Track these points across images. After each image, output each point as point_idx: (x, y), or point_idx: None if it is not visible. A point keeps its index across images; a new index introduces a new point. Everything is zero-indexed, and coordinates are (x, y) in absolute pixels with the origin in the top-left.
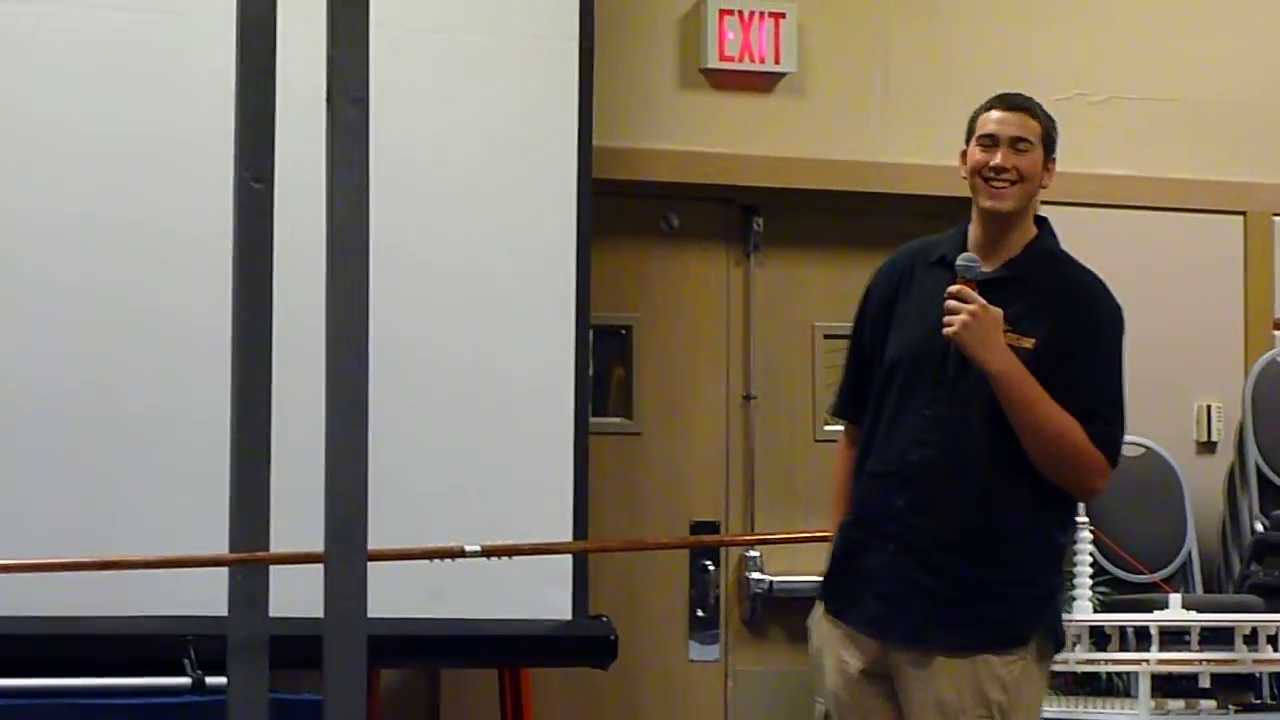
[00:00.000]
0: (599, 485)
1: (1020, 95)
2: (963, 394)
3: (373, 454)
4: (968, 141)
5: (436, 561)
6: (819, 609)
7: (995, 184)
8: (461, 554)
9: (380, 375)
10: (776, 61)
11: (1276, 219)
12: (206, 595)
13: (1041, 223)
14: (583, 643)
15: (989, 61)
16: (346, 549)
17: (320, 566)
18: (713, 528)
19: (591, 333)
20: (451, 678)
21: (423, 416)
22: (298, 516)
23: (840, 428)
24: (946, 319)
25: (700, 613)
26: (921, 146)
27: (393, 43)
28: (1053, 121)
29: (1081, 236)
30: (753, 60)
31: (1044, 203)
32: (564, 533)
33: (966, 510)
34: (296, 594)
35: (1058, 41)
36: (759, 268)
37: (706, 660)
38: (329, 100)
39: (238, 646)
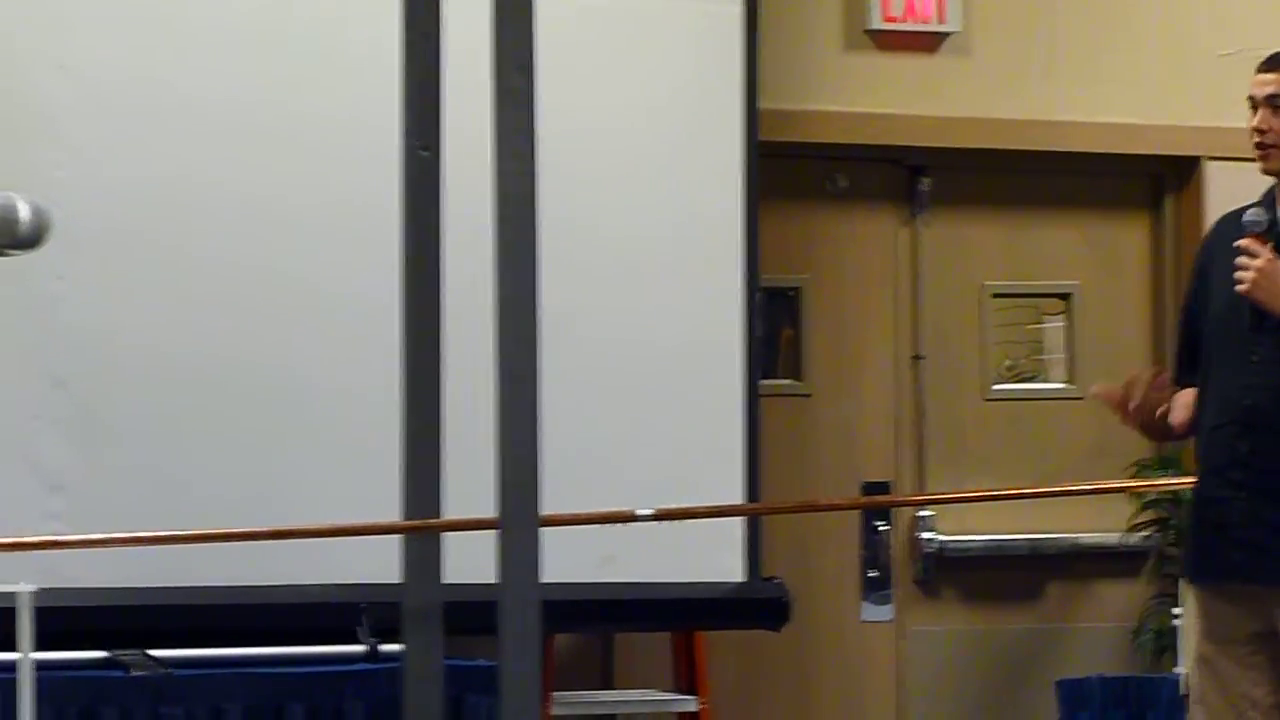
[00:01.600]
0: (769, 447)
1: None
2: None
3: (544, 420)
4: None
5: (609, 526)
6: (1183, 584)
7: (1259, 147)
8: (634, 518)
9: (551, 342)
10: (941, 21)
11: None
12: (380, 563)
13: None
14: (756, 605)
15: (1154, 16)
16: (519, 515)
17: (493, 533)
18: (883, 488)
19: (760, 295)
20: (625, 641)
21: (594, 382)
22: (470, 483)
23: None
24: (1237, 276)
25: (872, 573)
26: (1088, 103)
27: (557, 10)
28: None
29: (1253, 192)
30: (917, 20)
31: (1217, 158)
32: (736, 495)
33: None
34: (470, 560)
35: None
36: (926, 228)
37: (879, 620)
38: (495, 69)
39: (412, 614)
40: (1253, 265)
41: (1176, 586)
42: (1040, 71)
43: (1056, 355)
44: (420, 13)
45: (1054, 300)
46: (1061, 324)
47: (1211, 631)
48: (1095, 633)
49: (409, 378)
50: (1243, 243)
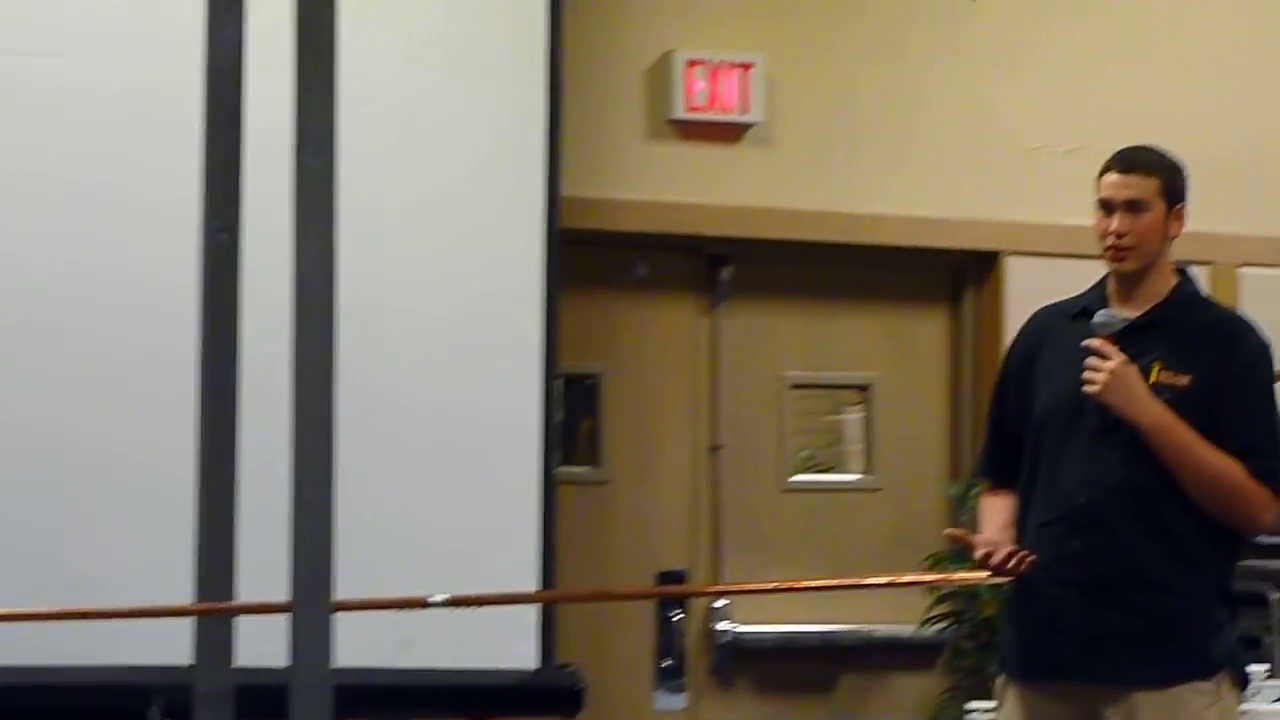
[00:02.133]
0: (566, 534)
1: (1137, 153)
2: (1122, 435)
3: (339, 503)
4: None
5: (405, 611)
6: (1000, 681)
7: (1114, 249)
8: (427, 604)
9: (348, 425)
10: (744, 111)
11: (1242, 270)
12: (173, 644)
13: (1182, 271)
14: (549, 692)
15: (957, 111)
16: (311, 599)
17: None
18: (679, 577)
19: (559, 382)
20: None
21: (390, 466)
22: (265, 565)
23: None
24: (1086, 377)
25: (667, 662)
26: (890, 196)
27: (360, 93)
28: (1175, 170)
29: (1053, 288)
30: (720, 110)
31: (1018, 253)
32: (531, 582)
33: (1143, 545)
34: (264, 643)
35: (1026, 92)
36: (726, 317)
37: (673, 710)
38: (295, 152)
39: (203, 697)
40: (1104, 368)
41: (970, 680)
42: (843, 164)
43: (855, 446)
44: (223, 94)
45: (852, 391)
46: (860, 415)
47: None
48: None
49: (204, 459)
50: (1093, 344)
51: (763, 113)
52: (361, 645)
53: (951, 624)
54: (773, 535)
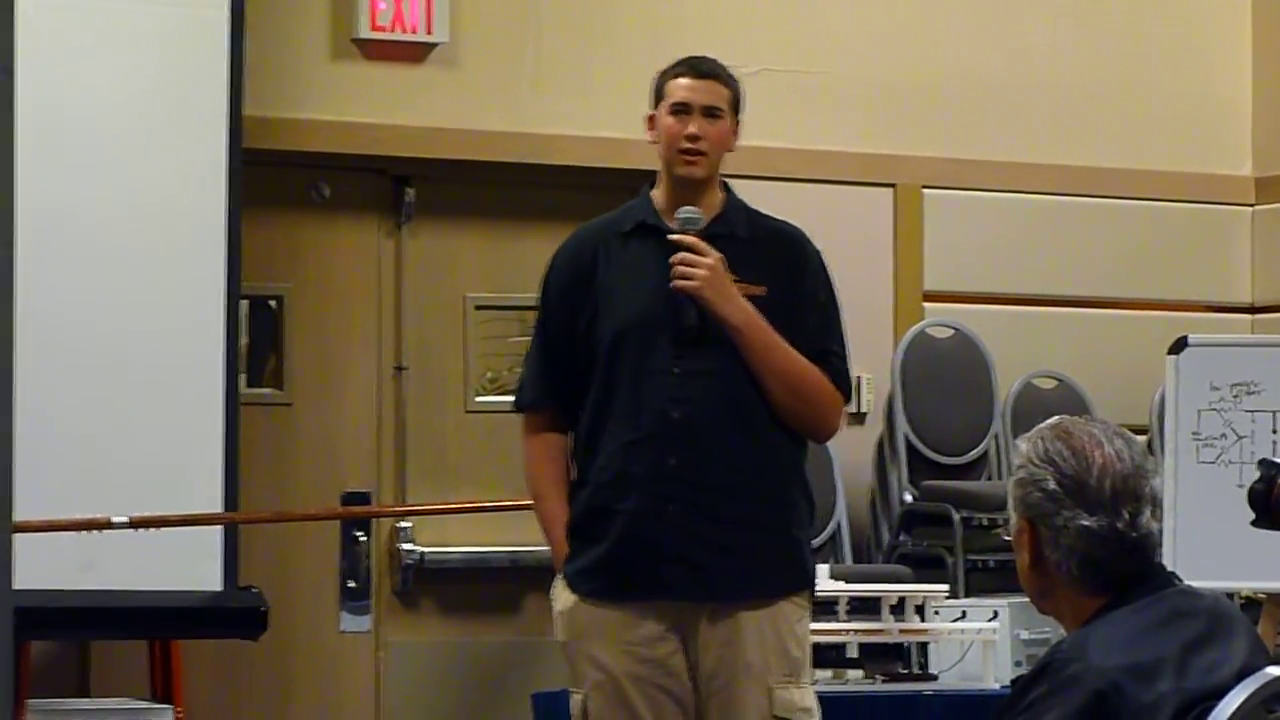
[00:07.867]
0: (249, 456)
1: (708, 60)
2: (709, 347)
3: (20, 424)
4: (655, 105)
5: (87, 533)
6: (567, 596)
7: (690, 153)
8: (109, 525)
9: (27, 345)
10: (428, 31)
11: (925, 191)
12: None
13: (725, 185)
14: (232, 614)
15: (642, 33)
16: None
17: None
18: (364, 499)
19: (243, 303)
20: (101, 649)
21: (72, 386)
22: None
23: None
24: (682, 272)
25: (351, 584)
26: (574, 117)
27: (38, 8)
28: (739, 83)
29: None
30: (405, 30)
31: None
32: (214, 504)
33: (741, 458)
34: None
35: (710, 13)
36: (411, 238)
37: (358, 631)
38: None
39: None
40: (701, 264)
41: None
42: (527, 84)
43: None
44: None
45: (538, 313)
46: None
47: (628, 652)
48: None
49: None
50: (686, 239)
51: (447, 33)
52: (45, 567)
53: None
54: (457, 456)
